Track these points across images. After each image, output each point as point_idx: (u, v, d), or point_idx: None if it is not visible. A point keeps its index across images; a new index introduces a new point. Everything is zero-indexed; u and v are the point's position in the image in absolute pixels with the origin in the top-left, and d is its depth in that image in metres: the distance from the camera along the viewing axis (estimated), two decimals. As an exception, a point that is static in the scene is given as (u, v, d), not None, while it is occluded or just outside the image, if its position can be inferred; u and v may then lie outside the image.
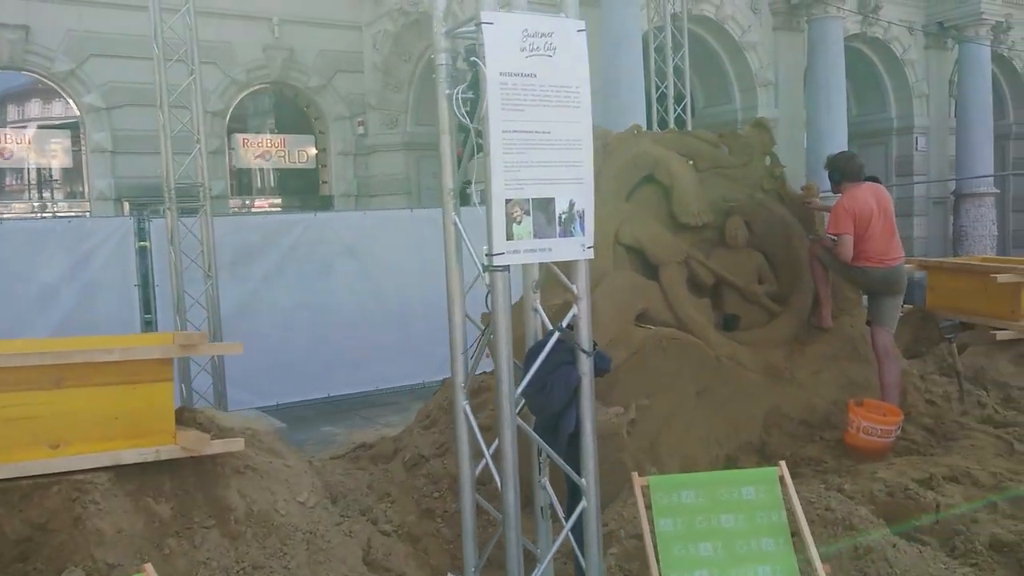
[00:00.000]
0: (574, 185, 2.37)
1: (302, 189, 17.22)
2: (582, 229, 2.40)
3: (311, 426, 8.21)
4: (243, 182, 16.86)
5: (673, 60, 10.51)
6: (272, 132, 16.72)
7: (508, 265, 2.31)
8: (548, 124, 2.32)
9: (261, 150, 16.47)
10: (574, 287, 2.45)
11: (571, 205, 2.37)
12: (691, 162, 6.18)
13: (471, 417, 2.52)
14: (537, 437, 2.59)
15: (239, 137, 16.14)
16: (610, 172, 5.66)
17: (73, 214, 14.46)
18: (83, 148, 14.50)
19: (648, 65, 10.68)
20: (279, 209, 16.62)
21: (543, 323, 2.62)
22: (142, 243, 7.90)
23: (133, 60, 14.25)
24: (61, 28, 13.86)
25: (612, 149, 5.76)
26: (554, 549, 2.69)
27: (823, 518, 3.85)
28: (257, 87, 16.02)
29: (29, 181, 14.75)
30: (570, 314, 2.50)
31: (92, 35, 13.86)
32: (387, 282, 8.95)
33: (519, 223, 2.28)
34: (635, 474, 3.24)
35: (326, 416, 8.49)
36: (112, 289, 7.72)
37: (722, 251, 5.97)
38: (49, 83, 14.20)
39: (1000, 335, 6.69)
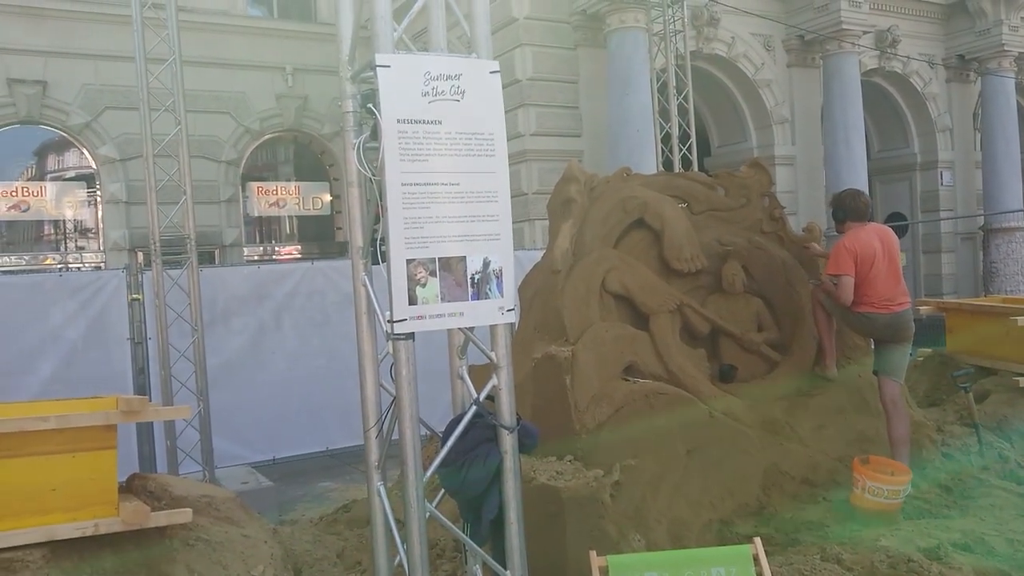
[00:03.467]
0: (489, 242, 2.13)
1: (317, 236, 17.21)
2: (499, 291, 2.15)
3: (308, 481, 7.98)
4: (261, 230, 16.89)
5: (677, 100, 10.29)
6: (286, 180, 16.77)
7: (412, 333, 2.06)
8: (457, 175, 2.09)
9: (275, 198, 16.51)
10: (493, 355, 2.20)
11: (486, 264, 2.12)
12: (685, 205, 5.93)
13: (386, 501, 2.25)
14: (454, 528, 2.32)
15: (253, 185, 16.20)
16: (597, 217, 5.41)
17: (87, 265, 14.53)
18: (98, 199, 14.62)
19: (654, 106, 10.48)
20: (297, 256, 16.60)
21: (469, 393, 2.35)
22: (135, 296, 7.77)
23: (151, 112, 14.44)
24: (77, 82, 14.09)
25: (599, 193, 5.52)
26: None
27: (815, 594, 3.50)
28: (270, 135, 16.13)
29: (45, 233, 14.86)
30: (489, 384, 2.23)
31: (107, 88, 14.05)
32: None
33: (423, 285, 2.04)
34: (593, 553, 2.94)
35: (324, 471, 8.25)
36: (105, 343, 7.60)
37: (718, 297, 5.68)
38: (65, 136, 14.41)
39: (1023, 382, 6.28)
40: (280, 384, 8.37)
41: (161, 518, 3.64)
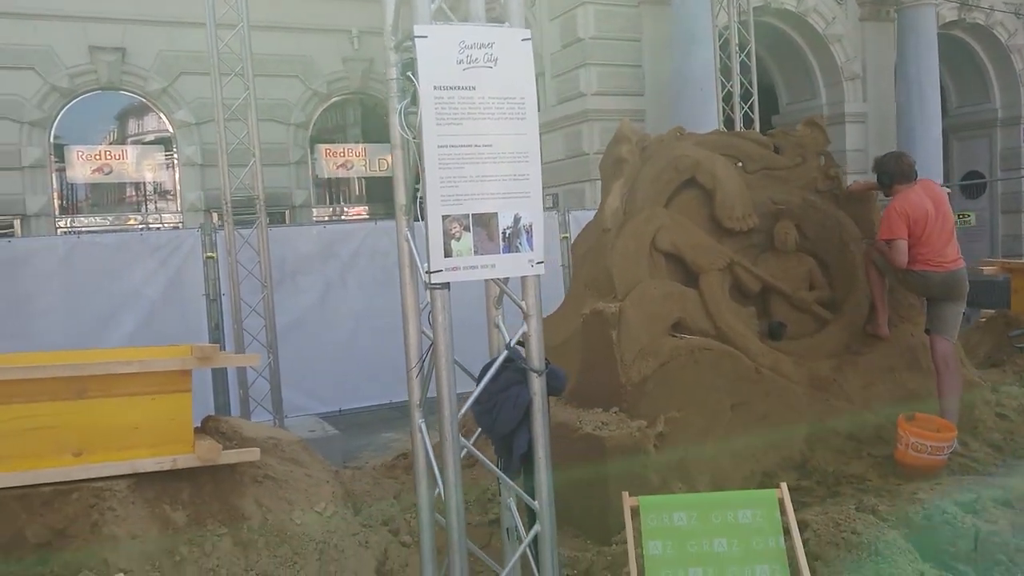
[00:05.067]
0: (520, 199, 2.29)
1: (384, 196, 17.55)
2: (530, 244, 2.31)
3: (372, 432, 8.32)
4: (329, 191, 17.32)
5: (740, 57, 10.15)
6: (354, 142, 17.11)
7: (447, 283, 2.25)
8: (490, 137, 2.25)
9: (343, 159, 16.88)
10: (523, 304, 2.37)
11: (516, 220, 2.28)
12: (740, 164, 5.95)
13: (426, 437, 2.47)
14: (485, 460, 2.52)
15: (321, 148, 16.60)
16: (648, 176, 5.50)
17: (166, 226, 15.17)
18: (175, 162, 15.22)
19: (716, 64, 10.36)
20: (364, 216, 17.00)
21: (504, 339, 2.54)
22: (210, 255, 8.17)
23: (224, 76, 14.90)
24: (153, 49, 14.59)
25: (651, 153, 5.60)
26: (508, 569, 2.61)
27: (848, 542, 3.61)
28: (338, 98, 16.46)
29: (127, 195, 15.55)
30: (520, 331, 2.41)
31: (182, 54, 14.52)
32: (452, 287, 8.99)
33: (458, 239, 2.22)
34: (625, 494, 3.12)
35: (386, 422, 8.58)
36: (182, 300, 8.02)
37: (770, 256, 5.72)
38: (144, 101, 14.99)
39: (1088, 343, 6.16)
40: (345, 339, 8.71)
41: (231, 456, 3.96)
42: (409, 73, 2.22)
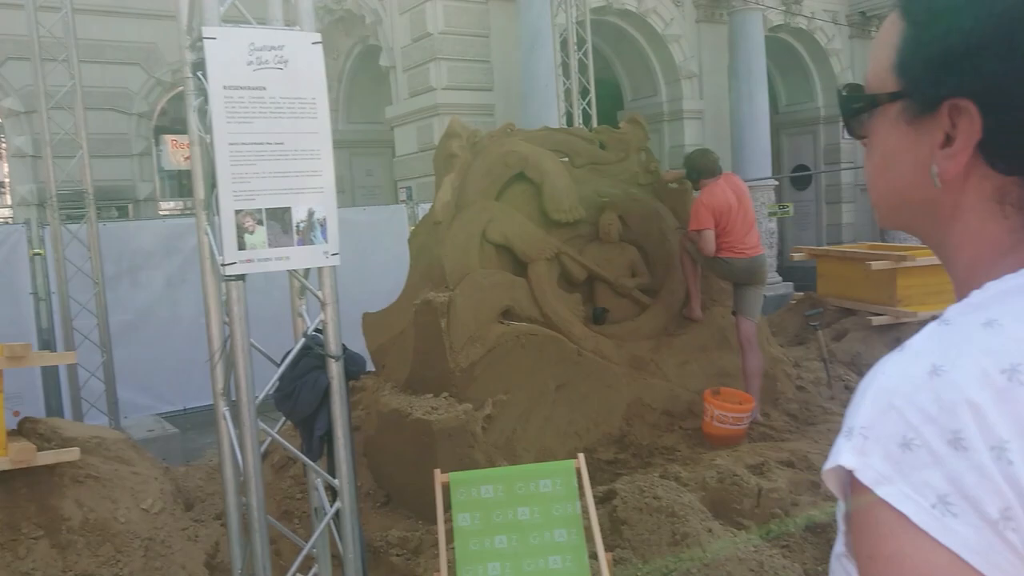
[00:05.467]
0: (313, 194, 2.43)
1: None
2: (324, 237, 2.45)
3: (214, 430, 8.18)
4: (179, 184, 16.71)
5: (578, 55, 10.58)
6: (202, 133, 16.56)
7: (242, 275, 2.36)
8: (281, 136, 2.37)
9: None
10: (320, 294, 2.51)
11: (310, 214, 2.42)
12: (567, 159, 6.28)
13: (230, 423, 2.57)
14: (287, 445, 2.65)
15: (168, 138, 15.99)
16: (479, 171, 5.73)
17: (-5, 221, 14.23)
18: (3, 154, 14.29)
19: (556, 61, 10.76)
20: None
21: (306, 328, 2.67)
22: (37, 251, 7.81)
23: (49, 63, 14.10)
24: (-25, 32, 13.62)
25: (481, 148, 5.82)
26: (309, 545, 2.75)
27: (650, 506, 3.96)
28: (183, 88, 15.86)
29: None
30: (317, 319, 2.55)
31: (8, 38, 13.64)
32: (263, 280, 8.94)
33: (252, 233, 2.33)
34: (437, 471, 3.32)
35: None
36: (9, 298, 7.63)
37: (596, 246, 6.08)
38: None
39: (876, 320, 6.89)
40: (187, 337, 8.51)
41: (48, 457, 3.89)
42: (199, 72, 2.31)
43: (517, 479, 3.27)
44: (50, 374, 7.66)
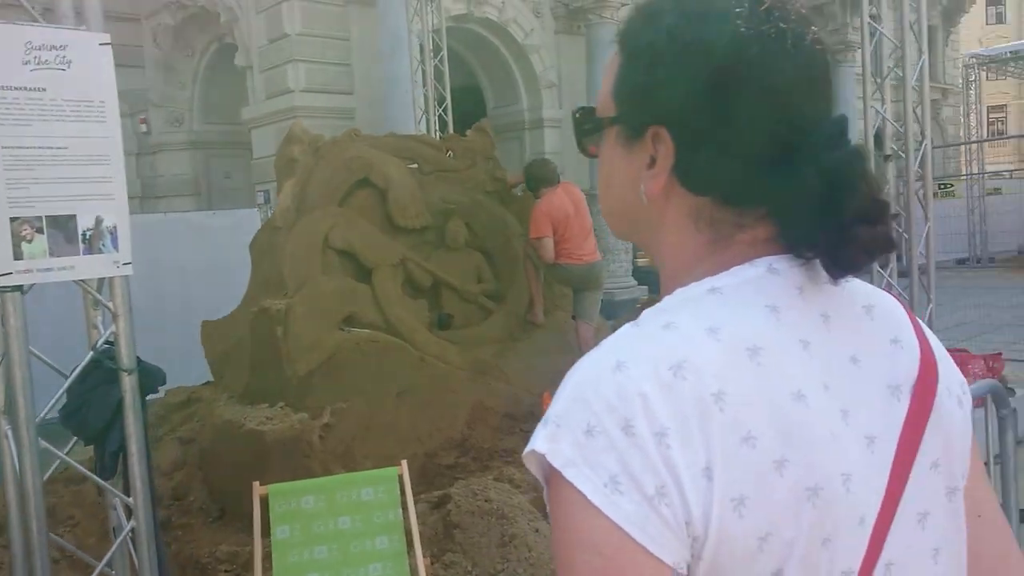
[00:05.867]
0: (101, 201, 2.34)
1: (80, 192, 16.17)
2: (115, 245, 2.37)
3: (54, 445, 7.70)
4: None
5: (433, 63, 10.64)
6: (41, 131, 15.57)
7: (20, 285, 2.25)
8: (65, 140, 2.27)
9: (28, 150, 15.29)
10: (111, 304, 2.42)
11: (98, 222, 2.33)
12: (416, 165, 6.30)
13: (11, 441, 2.44)
14: (77, 466, 2.54)
15: (1, 136, 14.93)
16: (321, 177, 5.67)
17: None
18: None
19: (411, 68, 10.77)
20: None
21: (102, 340, 2.57)
22: None
23: None
24: None
25: (324, 154, 5.76)
26: (102, 565, 2.65)
27: (481, 509, 4.02)
28: (20, 83, 14.88)
29: None
30: (108, 332, 2.46)
31: None
32: (170, 287, 8.55)
33: (30, 241, 2.22)
34: (255, 484, 3.26)
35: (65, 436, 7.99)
36: None
37: (442, 252, 6.12)
38: None
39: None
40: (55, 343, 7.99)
41: None
42: (-30, 73, 2.18)
43: (338, 488, 3.25)
44: None
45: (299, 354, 4.86)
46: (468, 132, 6.61)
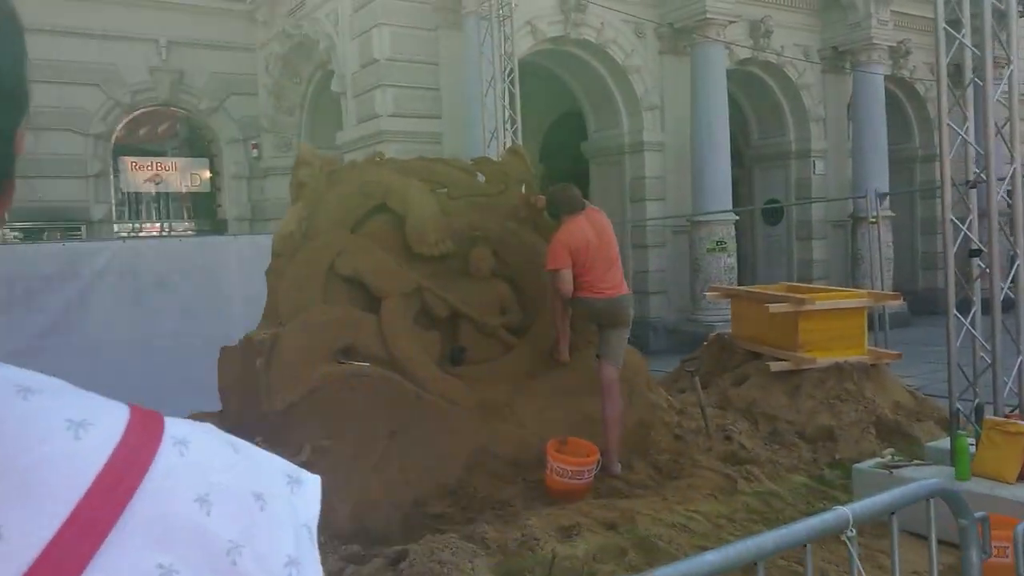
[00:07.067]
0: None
1: (197, 212, 16.98)
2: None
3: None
4: (137, 206, 16.58)
5: (505, 84, 10.37)
6: (164, 155, 16.48)
7: None
8: None
9: (151, 173, 16.21)
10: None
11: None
12: (445, 190, 6.01)
13: None
14: None
15: (127, 160, 15.89)
16: (332, 201, 5.47)
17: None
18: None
19: (494, 91, 10.55)
20: (171, 233, 16.35)
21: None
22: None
23: None
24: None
25: (339, 177, 5.56)
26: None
27: (433, 571, 3.63)
28: (145, 109, 15.81)
29: None
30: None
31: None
32: (201, 311, 8.68)
33: None
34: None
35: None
36: None
37: (464, 281, 5.77)
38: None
39: (774, 366, 6.53)
40: (89, 363, 8.26)
41: None
42: None
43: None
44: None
45: (279, 387, 4.63)
46: (503, 154, 6.26)
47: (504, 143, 10.23)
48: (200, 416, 5.69)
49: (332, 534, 4.33)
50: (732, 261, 14.25)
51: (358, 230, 5.54)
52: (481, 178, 6.18)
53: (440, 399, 5.11)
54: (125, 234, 15.51)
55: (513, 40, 10.34)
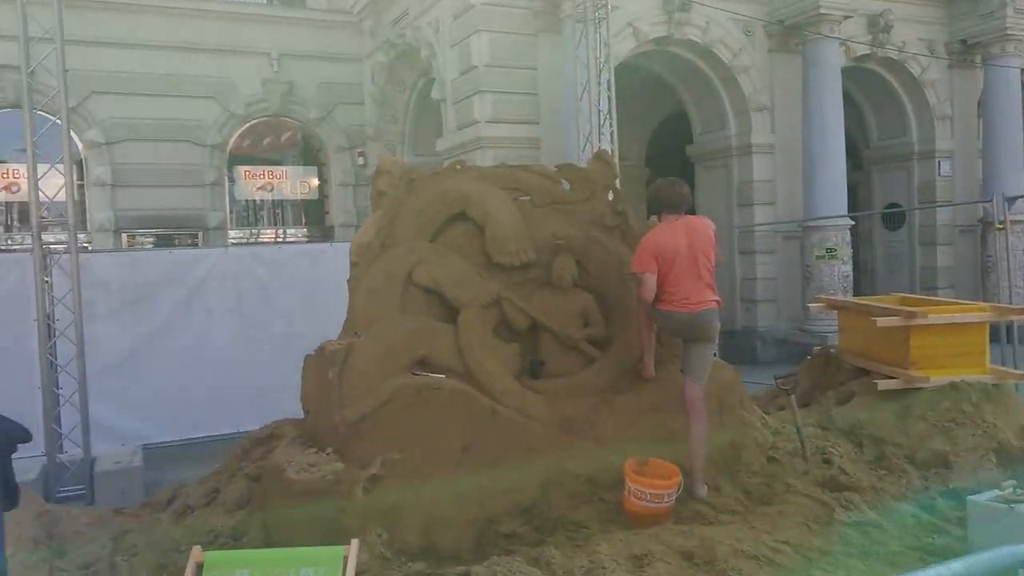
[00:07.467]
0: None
1: (306, 219, 17.47)
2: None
3: (199, 465, 8.14)
4: (249, 213, 17.18)
5: (597, 89, 10.11)
6: (275, 164, 17.04)
7: None
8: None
9: (263, 182, 16.80)
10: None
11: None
12: (527, 198, 5.86)
13: None
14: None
15: (241, 169, 16.52)
16: (411, 210, 5.40)
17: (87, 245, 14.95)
18: (85, 182, 15.10)
19: (589, 96, 10.31)
20: (282, 240, 16.89)
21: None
22: (46, 279, 8.03)
23: (132, 96, 14.88)
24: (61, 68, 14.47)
25: (418, 186, 5.50)
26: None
27: (492, 597, 3.47)
28: (257, 120, 16.40)
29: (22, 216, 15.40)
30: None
31: (93, 73, 14.48)
32: (300, 317, 8.85)
33: None
34: (196, 548, 2.97)
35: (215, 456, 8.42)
36: (13, 324, 7.84)
37: (547, 292, 5.59)
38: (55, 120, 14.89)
39: (882, 384, 6.05)
40: (192, 367, 8.56)
41: None
42: None
43: (276, 564, 2.88)
44: (51, 396, 7.81)
45: (351, 398, 4.58)
46: (589, 160, 6.05)
47: (599, 148, 9.98)
48: (284, 423, 5.75)
49: (399, 549, 4.27)
50: (847, 269, 13.50)
51: (437, 239, 5.46)
52: (566, 185, 5.99)
53: (516, 414, 4.95)
54: (236, 241, 16.13)
55: (609, 42, 10.08)
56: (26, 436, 2.53)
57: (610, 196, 5.99)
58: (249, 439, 5.60)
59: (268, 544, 4.64)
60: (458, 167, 5.80)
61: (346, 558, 2.88)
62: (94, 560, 4.49)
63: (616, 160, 9.82)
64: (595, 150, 8.95)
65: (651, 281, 4.94)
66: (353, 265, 5.14)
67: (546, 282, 5.61)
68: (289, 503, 4.18)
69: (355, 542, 2.95)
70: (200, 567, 2.92)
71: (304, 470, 4.33)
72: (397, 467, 4.52)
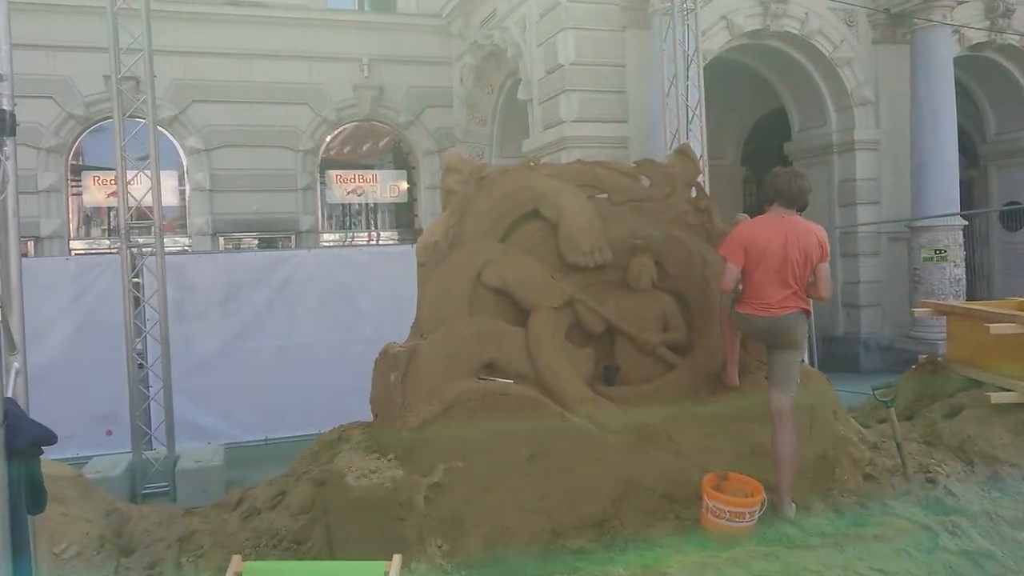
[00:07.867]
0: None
1: (396, 222, 17.61)
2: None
3: (281, 466, 8.19)
4: (341, 217, 17.40)
5: (685, 84, 9.68)
6: (365, 168, 17.23)
7: None
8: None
9: (354, 186, 17.01)
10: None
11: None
12: (606, 195, 5.60)
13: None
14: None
15: (332, 174, 16.78)
16: (481, 208, 5.22)
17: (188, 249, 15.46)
18: (186, 187, 15.63)
19: (677, 92, 9.90)
20: (374, 243, 17.08)
21: None
22: (135, 279, 8.24)
23: (230, 104, 15.32)
24: (167, 77, 15.02)
25: (488, 183, 5.31)
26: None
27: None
28: (348, 125, 16.63)
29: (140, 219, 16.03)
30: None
31: (193, 83, 14.99)
32: (383, 319, 8.81)
33: None
34: (236, 557, 2.86)
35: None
36: (105, 324, 8.06)
37: (624, 294, 5.32)
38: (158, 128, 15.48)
39: (996, 397, 5.49)
40: (271, 366, 8.64)
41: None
42: None
43: (316, 578, 2.72)
44: (139, 395, 7.99)
45: (414, 403, 4.43)
46: (669, 156, 5.74)
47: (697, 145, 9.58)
48: (352, 427, 5.65)
49: (460, 562, 4.07)
50: (960, 272, 12.60)
51: (508, 239, 5.26)
52: (645, 182, 5.69)
53: (588, 422, 4.69)
54: (329, 244, 16.38)
55: (698, 35, 9.68)
56: (50, 438, 2.47)
57: (693, 193, 5.67)
58: (318, 442, 5.52)
59: (330, 551, 4.53)
60: (531, 163, 5.59)
61: (387, 573, 2.70)
62: (160, 560, 4.47)
63: (704, 156, 9.42)
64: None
65: (733, 272, 4.60)
66: (420, 266, 4.99)
67: (623, 283, 5.34)
68: (348, 509, 4.04)
69: (397, 558, 2.77)
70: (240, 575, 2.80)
71: (364, 476, 4.19)
72: (460, 475, 4.33)
